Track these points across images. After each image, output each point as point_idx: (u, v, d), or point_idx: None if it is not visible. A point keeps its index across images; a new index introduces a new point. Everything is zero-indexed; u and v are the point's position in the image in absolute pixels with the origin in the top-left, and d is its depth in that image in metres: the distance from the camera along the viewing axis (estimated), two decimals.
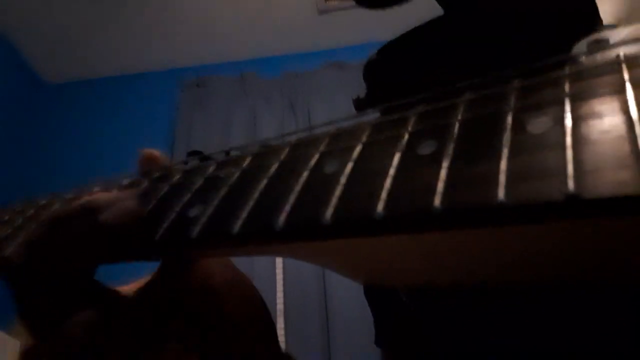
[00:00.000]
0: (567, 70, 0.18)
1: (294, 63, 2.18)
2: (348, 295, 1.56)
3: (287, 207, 0.18)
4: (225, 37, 2.23)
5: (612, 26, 0.21)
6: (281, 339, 1.59)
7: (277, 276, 1.71)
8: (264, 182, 0.20)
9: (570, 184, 0.14)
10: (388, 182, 0.17)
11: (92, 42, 2.23)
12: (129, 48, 2.26)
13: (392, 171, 0.17)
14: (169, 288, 0.23)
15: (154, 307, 0.22)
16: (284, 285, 1.68)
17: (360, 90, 0.36)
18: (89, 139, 2.19)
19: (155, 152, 0.30)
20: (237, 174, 0.22)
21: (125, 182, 0.28)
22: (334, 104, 1.96)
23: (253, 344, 0.26)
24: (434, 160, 0.17)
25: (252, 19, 2.16)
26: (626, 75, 0.16)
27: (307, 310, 1.60)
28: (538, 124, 0.16)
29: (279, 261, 1.71)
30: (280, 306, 1.65)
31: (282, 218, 0.18)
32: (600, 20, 0.23)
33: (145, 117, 2.20)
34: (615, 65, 0.17)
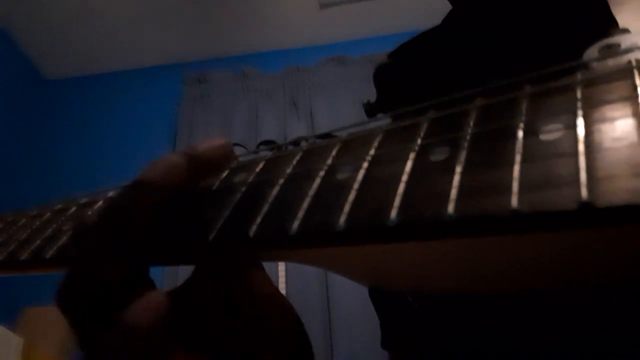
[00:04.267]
0: (578, 76, 0.18)
1: (295, 58, 2.18)
2: (350, 294, 1.56)
3: (301, 213, 0.18)
4: (226, 32, 2.22)
5: (625, 30, 0.21)
6: None
7: (279, 274, 1.71)
8: (278, 187, 0.21)
9: (584, 192, 0.14)
10: (401, 189, 0.17)
11: (93, 38, 2.23)
12: (131, 43, 2.26)
13: (404, 178, 0.17)
14: (218, 288, 0.22)
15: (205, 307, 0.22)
16: (286, 285, 1.69)
17: (365, 86, 0.36)
18: (91, 135, 2.20)
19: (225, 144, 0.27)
20: (250, 180, 0.22)
21: None
22: (336, 99, 1.96)
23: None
24: (447, 167, 0.17)
25: (253, 13, 2.16)
26: (638, 81, 0.16)
27: (309, 309, 1.60)
28: (550, 131, 0.16)
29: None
30: None
31: (295, 224, 0.18)
32: (615, 23, 0.23)
33: (147, 112, 2.20)
34: (627, 71, 0.17)
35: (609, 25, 0.22)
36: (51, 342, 1.47)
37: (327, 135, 0.23)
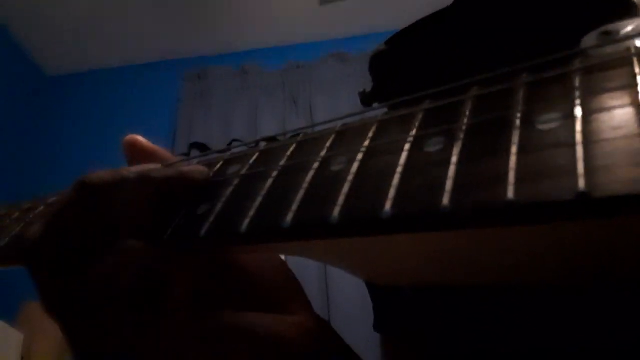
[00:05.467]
0: (577, 64, 0.17)
1: (295, 54, 2.17)
2: (350, 288, 1.56)
3: (295, 206, 0.18)
4: (226, 28, 2.22)
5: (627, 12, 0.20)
6: None
7: None
8: (271, 180, 0.20)
9: (581, 183, 0.13)
10: (396, 180, 0.17)
11: (93, 34, 2.22)
12: (130, 39, 2.25)
13: (399, 169, 0.17)
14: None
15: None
16: None
17: (366, 83, 0.36)
18: (91, 131, 2.19)
19: (138, 138, 0.28)
20: (244, 172, 0.22)
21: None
22: (336, 95, 1.96)
23: (281, 304, 0.25)
24: (442, 158, 0.16)
25: (253, 9, 2.15)
26: (637, 69, 0.16)
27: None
28: (547, 121, 0.16)
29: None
30: None
31: (289, 217, 0.18)
32: (619, 5, 0.22)
33: (147, 108, 2.19)
34: (626, 59, 0.16)
35: (611, 10, 0.21)
36: (51, 337, 1.47)
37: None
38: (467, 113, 0.18)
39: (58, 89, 2.36)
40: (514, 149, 0.15)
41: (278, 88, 2.08)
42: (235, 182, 0.22)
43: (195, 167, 0.23)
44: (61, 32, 2.20)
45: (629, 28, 0.19)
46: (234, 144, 1.89)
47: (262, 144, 0.24)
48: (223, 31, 2.23)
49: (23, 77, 2.28)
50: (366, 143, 0.19)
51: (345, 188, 0.18)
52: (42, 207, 0.30)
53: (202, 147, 1.92)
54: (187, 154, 1.91)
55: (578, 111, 0.15)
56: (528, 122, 0.16)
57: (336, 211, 0.17)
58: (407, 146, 0.18)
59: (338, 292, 1.61)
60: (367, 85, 0.36)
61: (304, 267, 1.65)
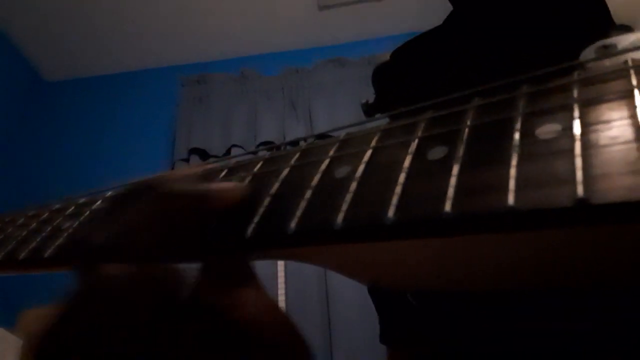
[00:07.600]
0: (575, 76, 0.18)
1: (294, 59, 2.18)
2: (349, 295, 1.56)
3: (299, 212, 0.19)
4: (225, 33, 2.22)
5: (625, 27, 0.21)
6: None
7: (278, 275, 1.71)
8: (276, 187, 0.21)
9: (580, 190, 0.14)
10: (399, 188, 0.17)
11: (92, 40, 2.23)
12: (129, 45, 2.26)
13: (402, 176, 0.17)
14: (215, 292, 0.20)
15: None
16: (286, 285, 1.68)
17: (364, 87, 0.36)
18: (90, 137, 2.19)
19: None
20: (248, 179, 0.22)
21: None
22: (335, 100, 1.96)
23: None
24: (445, 166, 0.17)
25: (252, 15, 2.16)
26: (634, 81, 0.16)
27: (309, 310, 1.60)
28: (547, 130, 0.16)
29: (280, 261, 1.71)
30: (281, 305, 1.65)
31: (293, 223, 0.18)
32: (613, 23, 0.23)
33: (146, 114, 2.20)
34: (623, 71, 0.17)
35: (607, 26, 0.22)
36: None
37: (325, 136, 0.23)
38: (469, 122, 0.18)
39: (57, 94, 2.36)
40: (514, 157, 0.16)
41: (277, 93, 2.09)
42: None
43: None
44: (60, 38, 2.21)
45: (626, 42, 0.20)
46: (234, 149, 1.90)
47: (265, 153, 0.24)
48: (222, 37, 2.24)
49: (22, 82, 2.28)
50: (369, 151, 0.20)
51: (349, 195, 0.18)
52: (46, 214, 0.30)
53: (202, 153, 1.93)
54: (187, 160, 1.91)
55: (577, 121, 0.16)
56: (528, 131, 0.17)
57: (340, 217, 0.17)
58: (409, 154, 0.18)
59: (338, 298, 1.60)
60: (365, 89, 0.36)
61: (304, 273, 1.65)
